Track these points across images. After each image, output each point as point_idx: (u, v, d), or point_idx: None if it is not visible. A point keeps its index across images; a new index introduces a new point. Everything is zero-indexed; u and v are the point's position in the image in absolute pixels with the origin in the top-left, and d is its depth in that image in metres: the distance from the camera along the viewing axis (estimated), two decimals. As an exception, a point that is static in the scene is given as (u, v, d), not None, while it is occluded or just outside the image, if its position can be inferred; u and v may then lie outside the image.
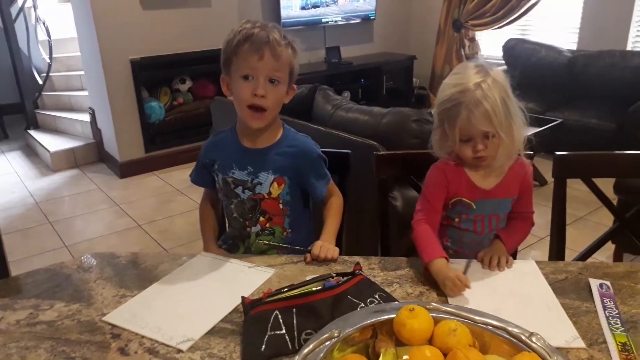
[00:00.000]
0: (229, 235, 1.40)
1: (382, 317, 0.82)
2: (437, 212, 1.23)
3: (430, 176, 1.25)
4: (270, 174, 1.27)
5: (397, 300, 0.99)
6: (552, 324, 0.94)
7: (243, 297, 0.96)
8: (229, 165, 1.30)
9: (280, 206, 1.29)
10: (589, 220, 2.93)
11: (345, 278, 0.99)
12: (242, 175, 1.28)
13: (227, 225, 1.43)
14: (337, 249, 1.20)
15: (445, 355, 0.75)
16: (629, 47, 4.06)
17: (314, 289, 0.96)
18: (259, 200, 1.29)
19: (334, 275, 1.01)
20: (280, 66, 1.19)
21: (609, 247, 2.34)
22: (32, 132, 4.63)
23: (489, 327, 0.80)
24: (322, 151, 1.35)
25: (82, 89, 4.71)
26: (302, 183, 1.31)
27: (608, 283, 1.05)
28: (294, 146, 1.29)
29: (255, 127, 1.24)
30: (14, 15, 4.57)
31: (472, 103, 1.09)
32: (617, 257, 2.37)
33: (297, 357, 0.74)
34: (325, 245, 1.19)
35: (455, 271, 1.06)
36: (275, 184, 1.28)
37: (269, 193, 1.28)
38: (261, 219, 1.30)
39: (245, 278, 1.12)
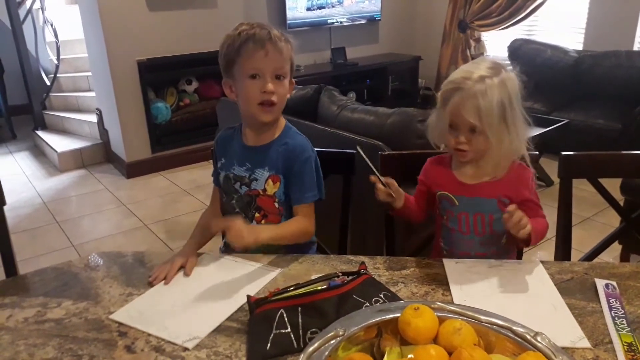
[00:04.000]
0: None
1: (387, 316, 0.82)
2: (421, 209, 1.29)
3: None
4: (266, 170, 1.28)
5: (402, 300, 0.99)
6: (558, 324, 0.94)
7: (248, 296, 0.97)
8: (231, 162, 1.32)
9: (276, 205, 1.29)
10: (595, 220, 2.91)
11: (350, 277, 0.99)
12: (241, 171, 1.30)
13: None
14: (248, 240, 1.09)
15: (450, 354, 0.75)
16: (635, 47, 4.03)
17: (319, 288, 0.96)
18: (254, 197, 1.30)
19: (340, 274, 1.01)
20: (284, 61, 1.21)
21: (616, 248, 2.33)
22: (39, 133, 4.66)
23: (494, 326, 0.80)
24: (327, 151, 1.35)
25: (89, 90, 4.74)
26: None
27: (614, 283, 1.05)
28: (286, 144, 1.28)
29: (266, 120, 1.25)
30: (22, 17, 4.60)
31: (469, 93, 1.09)
32: (624, 258, 2.35)
33: (302, 355, 0.74)
34: (242, 229, 1.08)
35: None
36: (270, 182, 1.28)
37: (264, 190, 1.28)
38: (256, 215, 1.31)
39: (250, 277, 1.13)
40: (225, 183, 1.34)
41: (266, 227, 1.26)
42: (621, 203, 2.09)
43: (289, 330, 0.90)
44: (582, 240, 2.02)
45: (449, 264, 1.15)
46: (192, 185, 3.72)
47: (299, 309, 0.92)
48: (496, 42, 5.10)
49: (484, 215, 1.20)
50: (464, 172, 1.21)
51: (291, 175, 1.27)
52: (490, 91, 1.08)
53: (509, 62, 4.51)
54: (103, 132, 4.27)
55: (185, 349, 0.90)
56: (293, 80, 1.28)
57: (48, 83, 4.87)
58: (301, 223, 1.26)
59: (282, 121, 1.32)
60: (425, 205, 1.30)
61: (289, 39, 1.23)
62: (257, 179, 1.29)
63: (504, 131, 1.11)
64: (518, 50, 4.47)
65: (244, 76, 1.20)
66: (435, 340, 0.79)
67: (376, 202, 1.21)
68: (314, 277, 1.03)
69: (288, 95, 1.27)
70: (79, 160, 4.24)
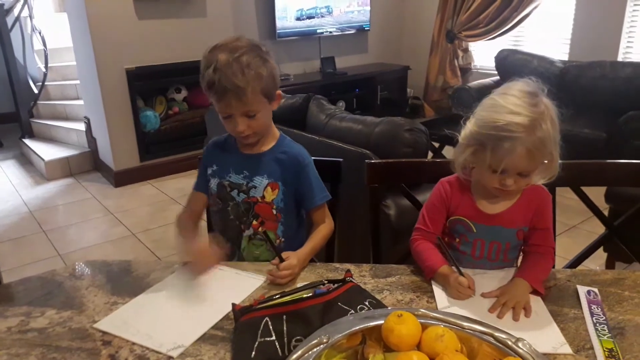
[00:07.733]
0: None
1: (370, 323, 0.83)
2: (433, 234, 1.20)
3: (431, 195, 1.22)
4: (265, 178, 1.30)
5: (387, 307, 0.99)
6: (540, 330, 0.95)
7: (233, 304, 0.97)
8: (227, 170, 1.33)
9: (274, 212, 1.31)
10: (581, 229, 2.95)
11: (335, 285, 1.00)
12: (238, 178, 1.31)
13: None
14: (295, 274, 1.15)
15: (432, 360, 0.76)
16: (620, 58, 4.11)
17: (305, 295, 0.96)
18: (252, 204, 1.31)
19: (325, 282, 1.02)
20: (249, 103, 1.19)
21: (602, 256, 2.36)
22: (27, 141, 4.62)
23: (476, 332, 0.81)
24: (314, 160, 1.36)
25: (77, 98, 4.71)
26: (295, 192, 1.32)
27: (596, 290, 1.07)
28: (285, 153, 1.32)
29: (249, 143, 1.29)
30: (9, 25, 4.58)
31: (524, 143, 1.01)
32: (610, 265, 2.38)
33: (285, 363, 0.74)
34: (290, 266, 1.13)
35: (455, 276, 1.07)
36: (269, 189, 1.30)
37: (263, 197, 1.30)
38: (254, 222, 1.32)
39: (236, 285, 1.13)
40: (220, 191, 1.34)
41: (305, 252, 1.22)
42: (606, 212, 2.12)
43: (273, 338, 0.90)
44: (569, 248, 2.04)
45: (434, 272, 1.16)
46: (181, 194, 3.71)
47: (284, 316, 0.92)
48: (483, 53, 5.17)
49: (500, 244, 1.17)
50: (486, 200, 1.16)
51: (297, 183, 1.30)
52: (545, 135, 1.03)
53: (490, 73, 4.56)
54: (91, 140, 4.25)
55: (170, 357, 0.90)
56: (279, 92, 1.28)
57: (36, 91, 4.84)
58: (326, 226, 1.33)
59: (276, 131, 1.35)
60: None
61: (258, 66, 1.17)
62: (255, 186, 1.30)
63: (551, 161, 1.09)
64: (505, 61, 4.52)
65: (219, 112, 1.24)
66: (418, 347, 0.80)
67: (363, 210, 1.20)
68: (299, 285, 1.03)
69: (274, 108, 1.28)
70: (66, 168, 4.21)
